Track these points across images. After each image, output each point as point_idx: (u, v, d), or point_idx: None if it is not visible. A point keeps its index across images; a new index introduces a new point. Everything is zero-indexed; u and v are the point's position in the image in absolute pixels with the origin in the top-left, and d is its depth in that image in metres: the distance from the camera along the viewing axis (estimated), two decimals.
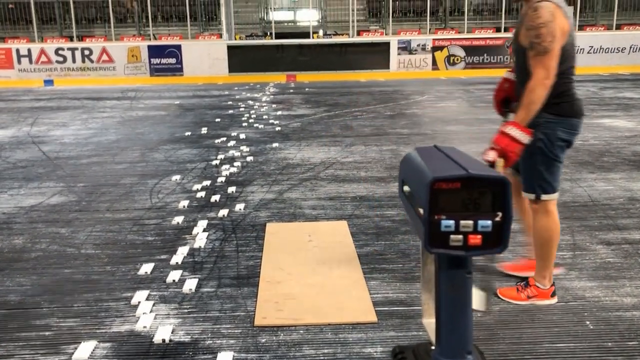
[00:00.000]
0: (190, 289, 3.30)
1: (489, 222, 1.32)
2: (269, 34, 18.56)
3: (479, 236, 1.32)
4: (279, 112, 10.32)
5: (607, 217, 4.40)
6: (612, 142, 6.86)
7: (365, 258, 3.71)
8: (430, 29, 18.86)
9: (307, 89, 14.29)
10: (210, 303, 3.14)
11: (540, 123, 2.85)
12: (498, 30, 18.28)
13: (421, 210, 1.33)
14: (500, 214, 1.32)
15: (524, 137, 2.72)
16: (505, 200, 1.31)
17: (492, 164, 2.66)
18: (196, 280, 3.41)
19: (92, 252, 3.92)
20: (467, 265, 1.46)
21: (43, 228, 4.42)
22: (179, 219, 4.49)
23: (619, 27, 18.08)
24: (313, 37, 18.12)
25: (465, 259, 1.44)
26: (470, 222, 1.32)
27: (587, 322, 2.85)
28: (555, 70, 2.72)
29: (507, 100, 3.18)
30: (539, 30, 2.69)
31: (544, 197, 2.96)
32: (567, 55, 2.81)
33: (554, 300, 3.08)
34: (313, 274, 3.45)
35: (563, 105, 2.87)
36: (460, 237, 1.33)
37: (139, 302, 3.15)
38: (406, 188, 1.52)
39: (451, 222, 1.31)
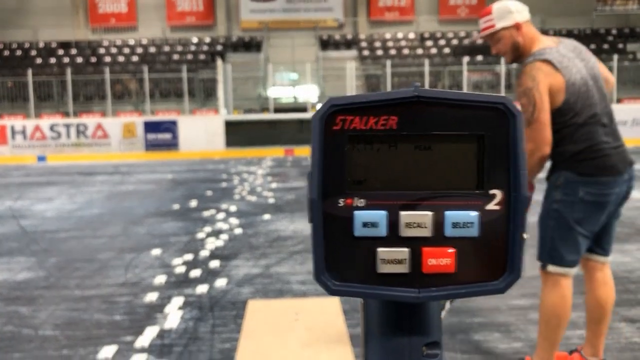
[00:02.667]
0: None
1: (473, 215, 0.48)
2: (268, 109, 18.62)
3: (450, 250, 0.48)
4: (274, 185, 10.01)
5: (628, 292, 3.97)
6: (625, 213, 6.46)
7: (359, 339, 3.25)
8: None
9: (304, 163, 14.07)
10: None
11: (559, 184, 2.49)
12: None
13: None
14: (498, 192, 0.49)
15: None
16: (513, 156, 0.49)
17: None
18: None
19: (50, 334, 3.48)
20: (430, 329, 0.53)
21: (1, 307, 3.99)
22: (152, 296, 4.05)
23: (619, 101, 18.20)
24: (311, 112, 18.14)
25: (423, 314, 0.53)
26: (426, 215, 0.48)
27: None
28: (546, 138, 2.39)
29: None
30: (520, 100, 2.42)
31: (550, 268, 2.55)
32: (577, 108, 2.43)
33: None
34: (297, 359, 2.99)
35: (588, 163, 2.46)
36: (402, 252, 0.48)
37: None
38: None
39: (379, 215, 0.48)
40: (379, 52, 22.29)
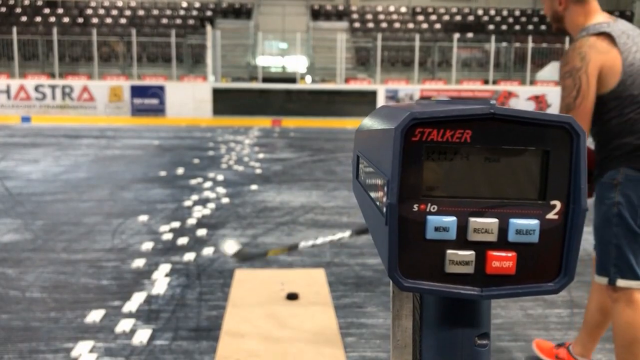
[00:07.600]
0: (141, 341, 2.89)
1: (534, 223, 0.54)
2: (256, 78, 18.48)
3: (511, 254, 0.54)
4: (261, 155, 10.02)
5: None
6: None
7: (343, 311, 3.34)
8: (418, 79, 18.89)
9: (292, 134, 14.06)
10: (162, 358, 2.73)
11: (618, 182, 2.20)
12: (486, 82, 18.35)
13: (383, 199, 0.55)
14: (558, 203, 0.55)
15: None
16: (574, 171, 0.55)
17: None
18: (149, 331, 3.00)
19: (38, 296, 3.51)
20: (482, 322, 0.60)
21: None
22: (140, 262, 4.09)
23: None
24: (299, 82, 18.04)
25: (477, 308, 0.60)
26: (493, 222, 0.54)
27: None
28: (585, 130, 2.16)
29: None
30: (564, 81, 2.15)
31: (620, 282, 2.22)
32: (636, 92, 2.15)
33: None
34: (282, 328, 3.05)
35: None
36: (469, 254, 0.54)
37: (80, 355, 2.75)
38: (365, 169, 0.67)
39: (449, 221, 0.54)
40: (370, 25, 22.15)
